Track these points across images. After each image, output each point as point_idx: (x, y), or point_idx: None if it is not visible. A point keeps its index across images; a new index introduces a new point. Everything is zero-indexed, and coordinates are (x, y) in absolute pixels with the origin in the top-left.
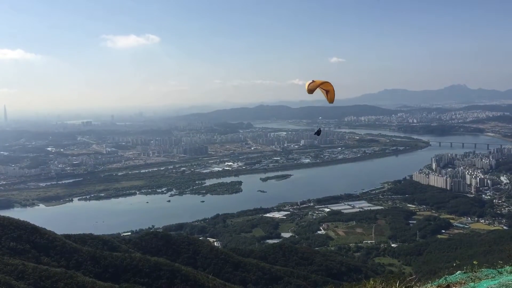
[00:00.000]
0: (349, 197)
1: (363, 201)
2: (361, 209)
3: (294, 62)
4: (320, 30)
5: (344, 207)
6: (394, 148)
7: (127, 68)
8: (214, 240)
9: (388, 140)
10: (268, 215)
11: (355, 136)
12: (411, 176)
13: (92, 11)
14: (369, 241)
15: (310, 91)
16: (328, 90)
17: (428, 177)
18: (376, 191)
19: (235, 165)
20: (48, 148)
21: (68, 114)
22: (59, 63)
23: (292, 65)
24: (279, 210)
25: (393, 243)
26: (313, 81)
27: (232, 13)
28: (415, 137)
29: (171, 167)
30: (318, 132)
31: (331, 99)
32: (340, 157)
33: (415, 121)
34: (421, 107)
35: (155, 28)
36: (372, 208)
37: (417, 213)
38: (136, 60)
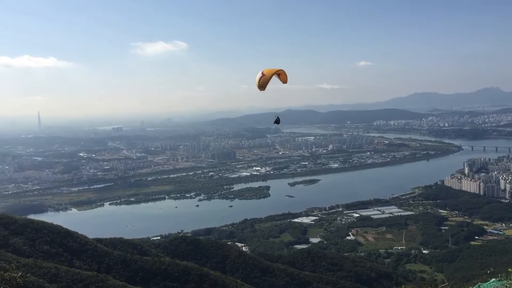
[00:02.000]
0: (378, 202)
1: (393, 206)
2: (391, 215)
3: (321, 66)
4: (348, 34)
5: (373, 213)
6: (425, 152)
7: (156, 75)
8: (243, 245)
9: (418, 145)
10: (296, 220)
11: (384, 140)
12: (442, 181)
13: (121, 19)
14: (399, 247)
15: (262, 87)
16: (280, 73)
17: (461, 182)
18: (407, 196)
19: (263, 170)
20: (80, 154)
21: (99, 120)
22: (90, 70)
23: (319, 69)
24: (307, 215)
25: (424, 249)
26: (263, 74)
27: (259, 19)
28: (446, 141)
29: (200, 172)
30: (277, 121)
31: (284, 80)
32: (369, 161)
33: (446, 125)
34: (453, 110)
35: (183, 35)
36: (402, 213)
37: (449, 218)
38: (164, 66)
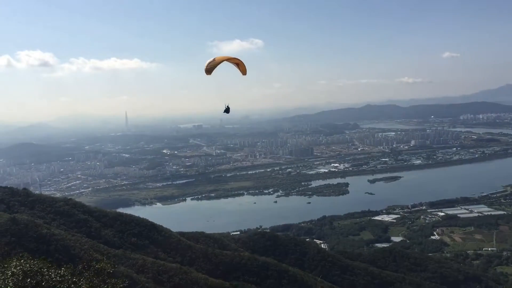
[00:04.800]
0: (466, 201)
1: (482, 205)
2: (480, 214)
3: (402, 59)
4: (431, 24)
5: (460, 211)
6: None
7: (233, 73)
8: (321, 242)
9: (510, 140)
10: (376, 218)
11: (472, 135)
12: None
13: (197, 19)
14: (489, 249)
15: (208, 71)
16: (238, 63)
17: None
18: (498, 195)
19: (341, 167)
20: (164, 151)
21: (181, 118)
22: (171, 70)
23: (400, 62)
24: (388, 213)
25: None
26: (213, 59)
27: (336, 13)
28: None
29: (277, 168)
30: (227, 110)
31: (244, 71)
32: (455, 158)
33: None
34: None
35: (259, 32)
36: (493, 213)
37: None
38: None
